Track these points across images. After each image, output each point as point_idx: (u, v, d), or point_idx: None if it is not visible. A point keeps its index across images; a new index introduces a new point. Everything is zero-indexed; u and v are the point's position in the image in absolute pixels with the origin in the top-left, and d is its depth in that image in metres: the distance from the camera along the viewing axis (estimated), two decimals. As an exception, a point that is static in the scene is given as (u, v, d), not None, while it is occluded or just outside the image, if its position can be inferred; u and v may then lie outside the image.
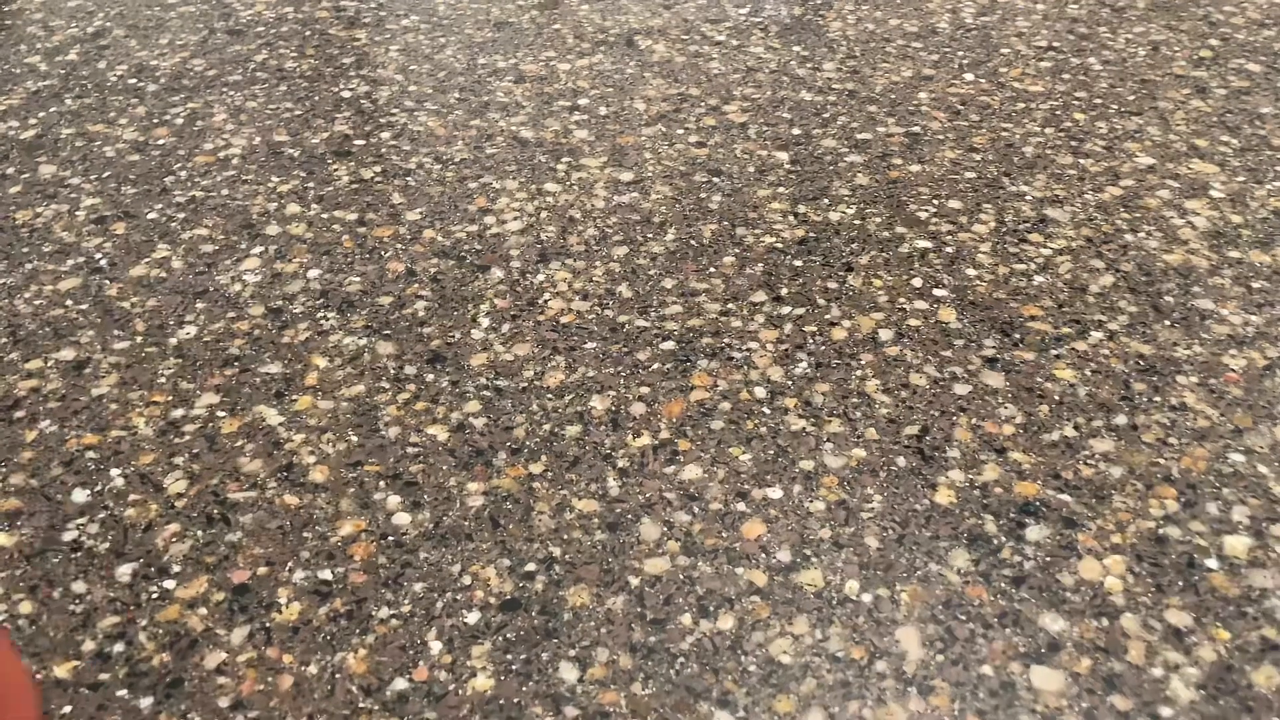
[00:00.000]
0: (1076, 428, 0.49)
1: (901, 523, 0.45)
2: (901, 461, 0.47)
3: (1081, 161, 0.66)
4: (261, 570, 0.43)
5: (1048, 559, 0.43)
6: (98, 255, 0.60)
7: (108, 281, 0.58)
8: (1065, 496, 0.46)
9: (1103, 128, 0.69)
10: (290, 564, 0.43)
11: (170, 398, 0.51)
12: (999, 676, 0.39)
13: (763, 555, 0.43)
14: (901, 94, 0.73)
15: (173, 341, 0.54)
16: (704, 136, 0.69)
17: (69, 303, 0.56)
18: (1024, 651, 0.40)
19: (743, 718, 0.37)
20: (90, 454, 0.48)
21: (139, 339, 0.54)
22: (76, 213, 0.63)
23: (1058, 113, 0.71)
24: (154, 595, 0.42)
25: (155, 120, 0.71)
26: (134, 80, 0.76)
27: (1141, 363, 0.52)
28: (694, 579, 0.42)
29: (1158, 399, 0.50)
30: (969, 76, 0.75)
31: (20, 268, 0.59)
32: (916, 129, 0.69)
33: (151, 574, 0.43)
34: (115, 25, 0.83)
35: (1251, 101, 0.72)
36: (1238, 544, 0.44)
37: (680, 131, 0.70)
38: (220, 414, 0.50)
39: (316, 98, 0.74)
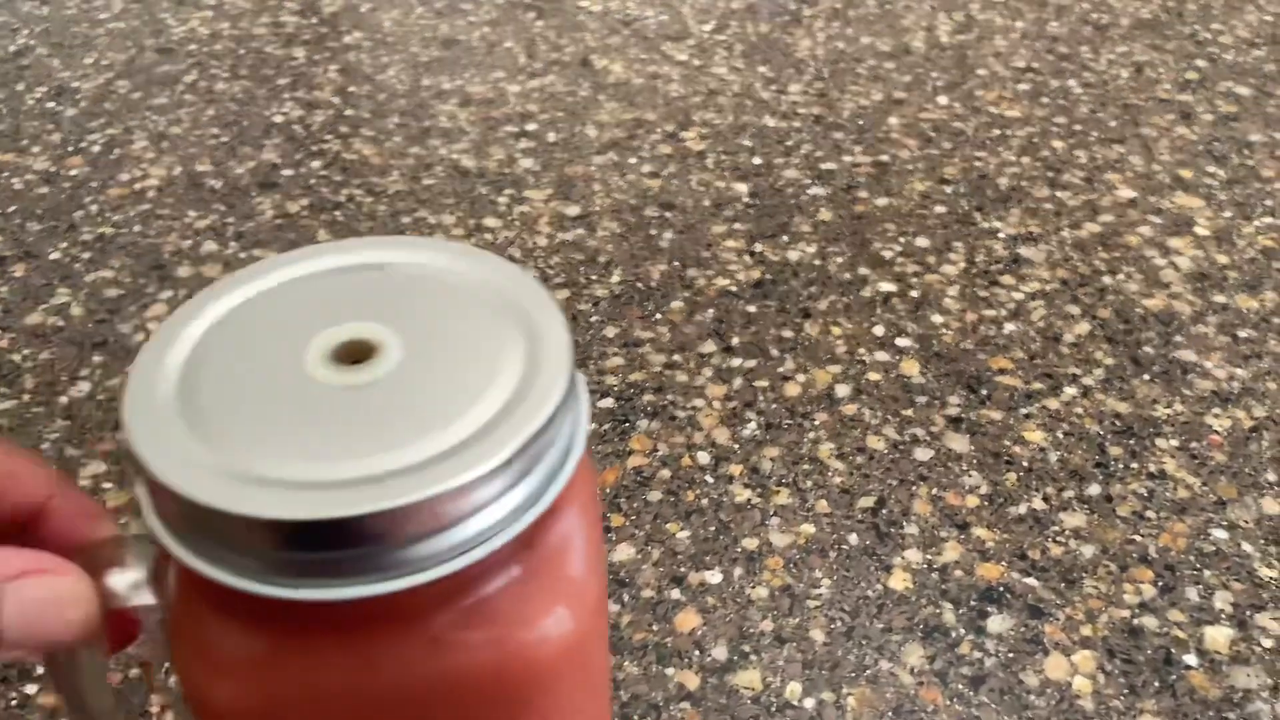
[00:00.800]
0: (1046, 499, 0.45)
1: (851, 612, 0.40)
2: (854, 539, 0.43)
3: (1059, 194, 0.62)
4: (134, 672, 0.38)
5: (1010, 654, 0.39)
6: (-6, 300, 0.55)
7: (0, 331, 0.53)
8: (1032, 580, 0.41)
9: (1082, 157, 0.65)
10: (166, 668, 0.38)
11: (55, 463, 0.46)
12: (954, 796, 0.35)
13: (696, 652, 0.39)
14: (871, 119, 0.69)
15: (62, 400, 0.49)
16: (658, 166, 0.65)
17: (-43, 354, 0.52)
18: (983, 766, 0.36)
19: None
20: (-35, 528, 0.44)
21: (26, 397, 0.49)
22: (-24, 251, 0.59)
23: (1035, 140, 0.67)
24: (14, 703, 0.38)
25: (70, 148, 0.67)
26: (52, 104, 0.71)
27: (1118, 423, 0.48)
28: (619, 681, 0.38)
29: (1134, 465, 0.46)
30: (942, 100, 0.71)
31: (-92, 314, 0.54)
32: (885, 158, 0.65)
33: (12, 677, 0.39)
34: (39, 43, 0.78)
35: (1240, 128, 0.68)
36: (1219, 636, 0.40)
37: (633, 160, 0.65)
38: (106, 485, 0.45)
39: (246, 122, 0.69)
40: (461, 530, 0.20)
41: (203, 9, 0.83)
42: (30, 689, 0.38)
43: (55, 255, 0.58)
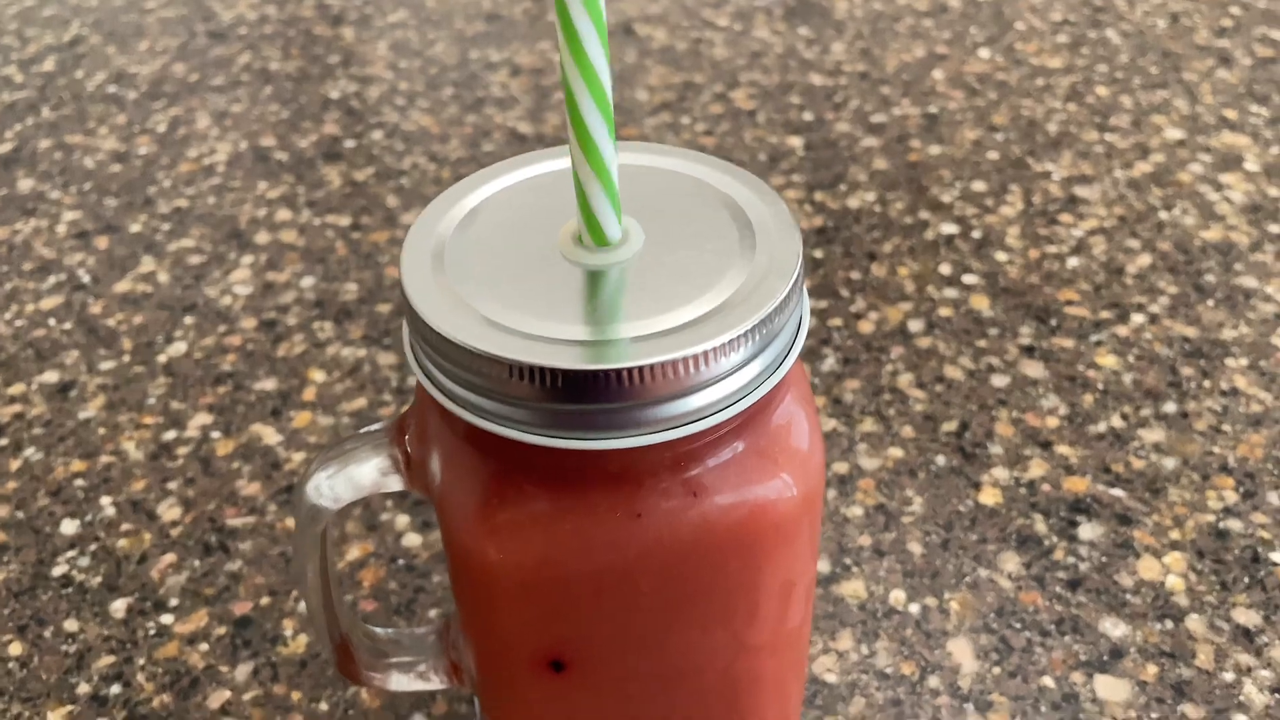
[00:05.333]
0: (1124, 417, 0.46)
1: (945, 526, 0.42)
2: (941, 460, 0.44)
3: (1108, 137, 0.64)
4: (264, 601, 0.40)
5: (1104, 559, 0.40)
6: (80, 271, 0.57)
7: (92, 299, 0.55)
8: (1117, 491, 0.43)
9: (1127, 102, 0.67)
10: (295, 593, 0.40)
11: (161, 419, 0.48)
12: (1061, 688, 0.36)
13: (800, 566, 0.40)
14: (915, 74, 0.70)
15: (161, 360, 0.51)
16: (711, 125, 0.66)
17: (51, 322, 0.54)
18: (1085, 660, 0.37)
19: (789, 745, 0.35)
20: (79, 482, 0.45)
21: (126, 358, 0.51)
22: (57, 228, 0.60)
23: (1079, 88, 0.68)
24: (151, 632, 0.39)
25: (137, 129, 0.68)
26: (113, 88, 0.73)
27: (1187, 346, 0.49)
28: (727, 595, 0.39)
29: (1207, 384, 0.47)
30: (984, 54, 0.72)
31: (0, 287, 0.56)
32: (933, 109, 0.67)
33: (148, 609, 0.40)
34: (92, 32, 0.80)
35: (1278, 70, 0.69)
36: (1305, 536, 0.41)
37: (686, 120, 0.67)
38: (214, 435, 0.47)
39: (304, 99, 0.71)
40: (722, 387, 0.22)
41: (248, -5, 0.84)
42: (167, 619, 0.40)
43: (136, 228, 0.60)
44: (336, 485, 0.27)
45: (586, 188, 0.23)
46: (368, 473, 0.27)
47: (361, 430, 0.28)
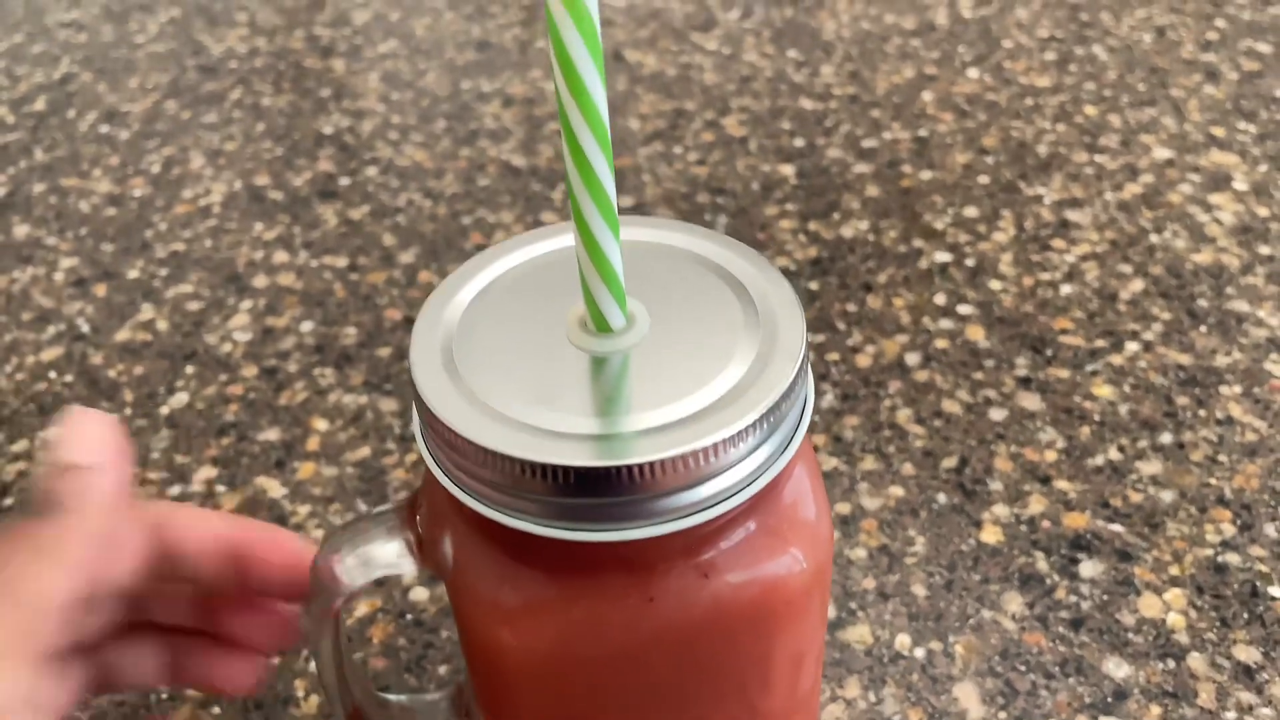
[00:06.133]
0: (1121, 450, 0.46)
1: (949, 566, 0.42)
2: (942, 498, 0.45)
3: (1097, 158, 0.64)
4: (275, 660, 0.40)
5: (1105, 597, 0.41)
6: (80, 320, 0.57)
7: (92, 349, 0.55)
8: (1117, 526, 0.43)
9: (1115, 121, 0.67)
10: (305, 653, 0.40)
11: (166, 474, 0.48)
12: (1066, 731, 0.37)
13: (805, 612, 0.41)
14: (905, 95, 0.71)
15: (164, 411, 0.51)
16: (703, 153, 0.67)
17: (53, 374, 0.54)
18: (1090, 702, 0.38)
19: (800, 795, 0.35)
20: (85, 539, 0.45)
21: (128, 410, 0.51)
22: (55, 275, 0.60)
23: (1068, 107, 0.69)
24: (163, 695, 0.40)
25: (130, 170, 0.68)
26: (105, 128, 0.73)
27: (1182, 374, 0.50)
28: (735, 642, 0.40)
29: (1202, 413, 0.48)
30: (973, 73, 0.72)
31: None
32: (924, 133, 0.67)
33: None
34: (83, 69, 0.80)
35: (1265, 84, 0.70)
36: (1302, 568, 0.41)
37: (678, 150, 0.67)
38: (220, 489, 0.47)
39: (297, 135, 0.71)
40: (732, 475, 0.23)
41: (236, 26, 0.84)
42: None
43: (134, 274, 0.60)
44: (351, 569, 0.27)
45: (589, 281, 0.24)
46: (383, 556, 0.27)
47: (375, 511, 0.28)
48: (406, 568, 0.28)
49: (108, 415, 0.26)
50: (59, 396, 0.52)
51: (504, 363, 0.24)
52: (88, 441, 0.24)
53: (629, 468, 0.22)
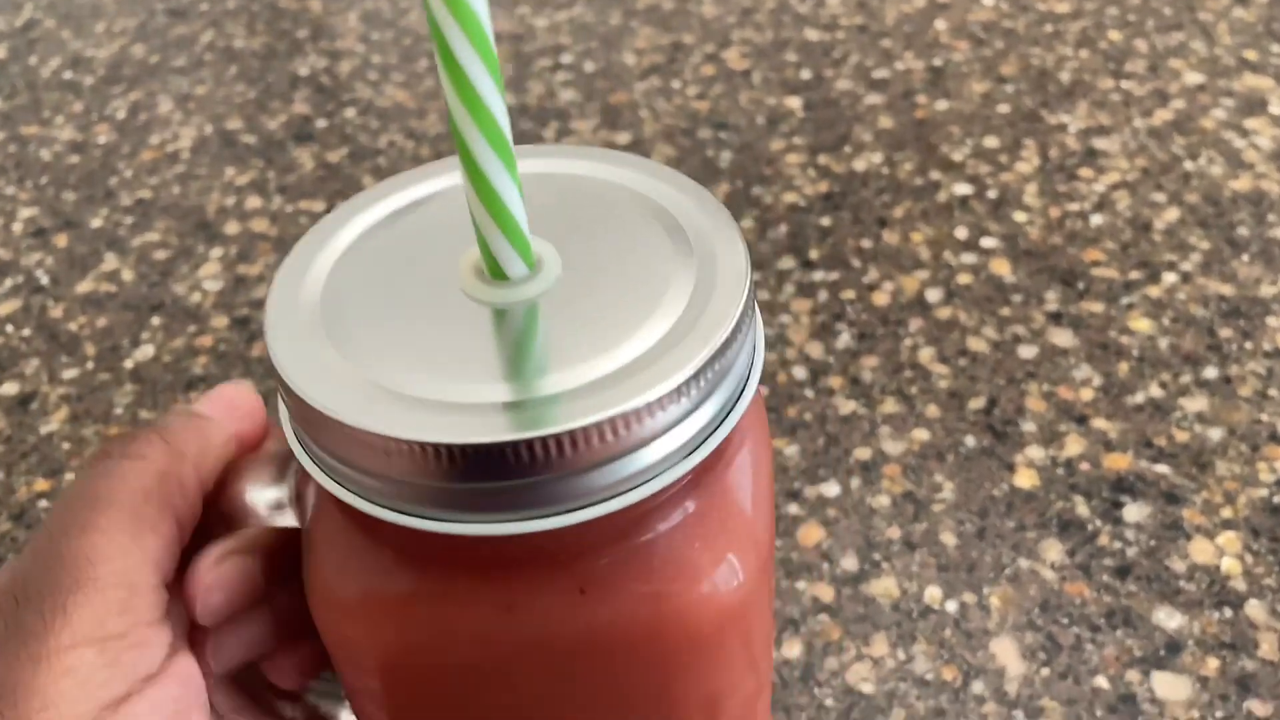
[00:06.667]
0: (1163, 386, 0.43)
1: (980, 513, 0.39)
2: (971, 441, 0.41)
3: (1124, 85, 0.60)
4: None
5: (1152, 543, 0.38)
6: (39, 272, 0.53)
7: (51, 301, 0.51)
8: (1162, 467, 0.40)
9: (1142, 46, 0.63)
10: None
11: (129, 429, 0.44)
12: (1115, 689, 0.34)
13: (825, 564, 0.38)
14: (917, 25, 0.66)
15: (128, 365, 0.47)
16: (704, 87, 0.63)
17: (9, 328, 0.50)
18: (1140, 656, 0.34)
19: (824, 763, 0.32)
20: (43, 502, 0.42)
21: (90, 365, 0.48)
22: (13, 225, 0.56)
23: (1090, 33, 0.64)
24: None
25: (95, 116, 0.64)
26: (69, 74, 0.69)
27: (1224, 305, 0.46)
28: (749, 599, 0.36)
29: (1249, 345, 0.44)
30: (988, 1, 0.68)
31: (-47, 292, 0.52)
32: (938, 62, 0.63)
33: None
34: (46, 15, 0.75)
35: (1299, 5, 0.66)
36: (1366, 508, 0.38)
37: (677, 84, 0.63)
38: (188, 445, 0.43)
39: (271, 78, 0.67)
40: (625, 465, 0.17)
41: (208, -31, 0.80)
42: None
43: (97, 223, 0.56)
44: (254, 503, 0.24)
45: (481, 225, 0.19)
46: (265, 499, 0.23)
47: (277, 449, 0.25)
48: (285, 520, 0.23)
49: (249, 387, 0.25)
50: (16, 351, 0.49)
51: (380, 315, 0.19)
52: (218, 400, 0.24)
53: (489, 447, 0.16)
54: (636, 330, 0.18)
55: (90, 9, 0.75)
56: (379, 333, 0.19)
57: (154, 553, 0.20)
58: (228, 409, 0.24)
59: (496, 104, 0.18)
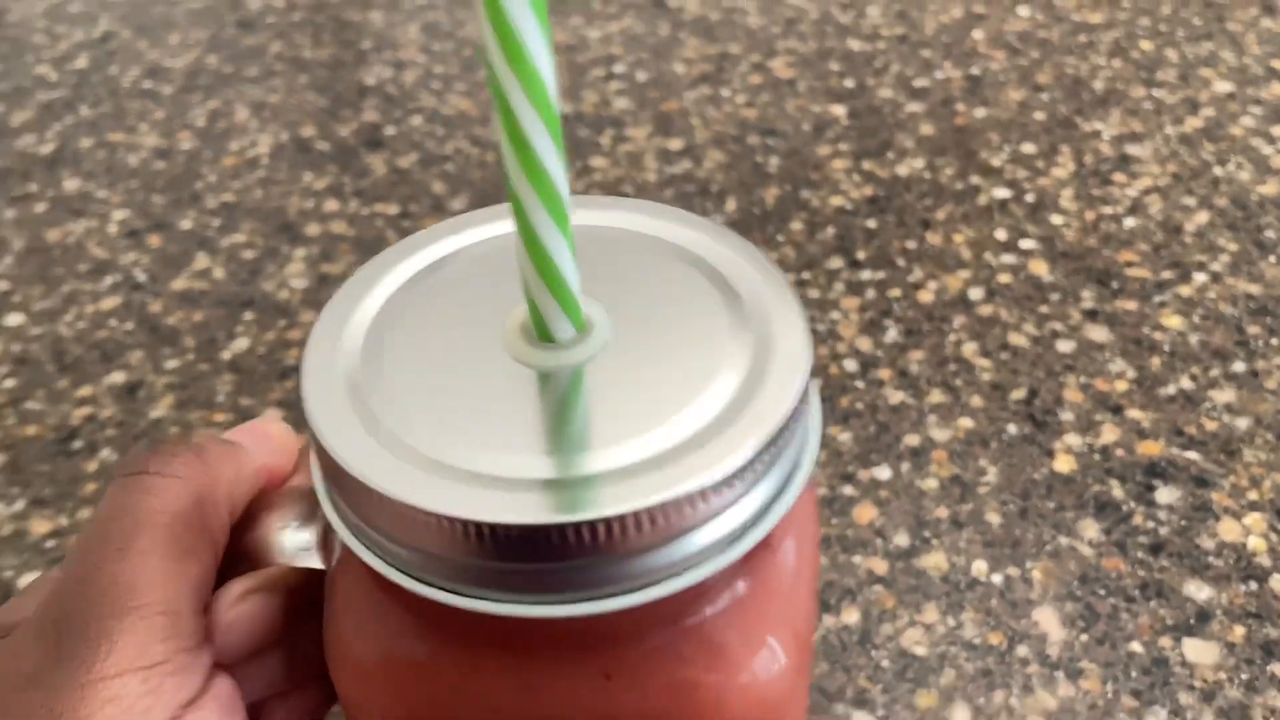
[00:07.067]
0: (1193, 379, 0.46)
1: (1022, 495, 0.42)
2: (1013, 429, 0.44)
3: (1155, 93, 0.63)
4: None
5: (1183, 523, 0.41)
6: (136, 270, 0.57)
7: (150, 297, 0.55)
8: (1192, 454, 0.43)
9: (1173, 55, 0.66)
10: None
11: (232, 416, 0.48)
12: (1149, 653, 0.37)
13: (879, 540, 0.41)
14: (955, 35, 0.69)
15: (225, 356, 0.51)
16: (751, 95, 0.66)
17: (113, 322, 0.54)
18: (1172, 624, 0.37)
19: (883, 716, 0.35)
20: (154, 481, 0.46)
21: (190, 356, 0.51)
22: (108, 227, 0.60)
23: (1122, 43, 0.67)
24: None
25: (176, 124, 0.68)
26: (149, 83, 0.73)
27: (1252, 304, 0.49)
28: (809, 571, 0.40)
29: (1275, 341, 0.47)
30: (1023, 11, 0.71)
31: (58, 290, 0.56)
32: (976, 71, 0.66)
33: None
34: (122, 27, 0.79)
35: (1325, 15, 0.68)
36: (1384, 492, 0.41)
37: (726, 93, 0.66)
38: (286, 430, 0.47)
39: (340, 87, 0.70)
40: (665, 554, 0.16)
41: (273, -18, 0.84)
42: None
43: (187, 224, 0.60)
44: (281, 544, 0.23)
45: (531, 286, 0.18)
46: (295, 543, 0.23)
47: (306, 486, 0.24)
48: (310, 562, 0.22)
49: (285, 424, 0.25)
50: (120, 344, 0.53)
51: (418, 375, 0.19)
52: (252, 432, 0.24)
53: (522, 529, 0.16)
54: (686, 405, 0.17)
55: (163, 21, 0.79)
56: (418, 391, 0.18)
57: (195, 579, 0.20)
58: (261, 439, 0.23)
59: (554, 164, 0.17)
